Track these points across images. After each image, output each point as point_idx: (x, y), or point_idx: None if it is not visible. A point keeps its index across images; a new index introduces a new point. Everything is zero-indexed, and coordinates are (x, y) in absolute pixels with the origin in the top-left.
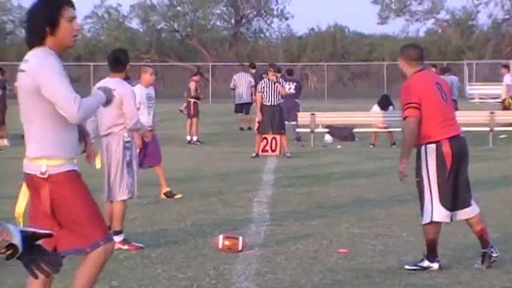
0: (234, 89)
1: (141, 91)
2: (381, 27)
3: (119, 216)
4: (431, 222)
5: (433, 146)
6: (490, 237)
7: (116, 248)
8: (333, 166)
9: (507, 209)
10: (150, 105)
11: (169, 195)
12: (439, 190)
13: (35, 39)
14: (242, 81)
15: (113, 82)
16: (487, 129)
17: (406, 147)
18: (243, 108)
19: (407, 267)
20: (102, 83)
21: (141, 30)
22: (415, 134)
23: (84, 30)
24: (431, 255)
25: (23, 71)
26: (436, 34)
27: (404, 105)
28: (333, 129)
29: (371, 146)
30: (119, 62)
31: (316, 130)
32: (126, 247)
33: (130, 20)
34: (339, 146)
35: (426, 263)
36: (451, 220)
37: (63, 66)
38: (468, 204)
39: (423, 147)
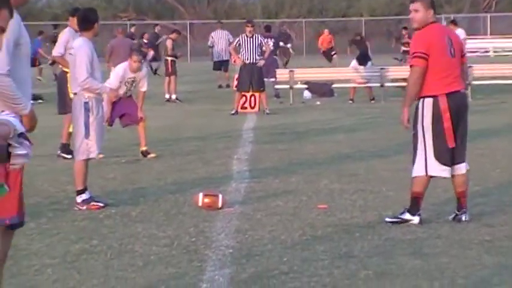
0: (212, 47)
1: (124, 73)
2: None
3: (77, 175)
4: (424, 176)
5: (431, 100)
6: (473, 190)
7: (76, 209)
8: (312, 122)
9: (488, 162)
10: (129, 86)
11: (144, 154)
12: (433, 145)
13: None
14: (220, 39)
15: (77, 41)
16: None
17: (408, 96)
18: (222, 65)
19: (387, 219)
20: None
21: None
22: (419, 84)
23: None
24: (414, 208)
25: None
26: None
27: (412, 53)
28: (312, 86)
29: (350, 102)
30: (87, 21)
31: (295, 86)
32: (84, 208)
33: None
34: (318, 102)
35: (407, 216)
36: (450, 175)
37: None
38: (463, 160)
39: (421, 100)
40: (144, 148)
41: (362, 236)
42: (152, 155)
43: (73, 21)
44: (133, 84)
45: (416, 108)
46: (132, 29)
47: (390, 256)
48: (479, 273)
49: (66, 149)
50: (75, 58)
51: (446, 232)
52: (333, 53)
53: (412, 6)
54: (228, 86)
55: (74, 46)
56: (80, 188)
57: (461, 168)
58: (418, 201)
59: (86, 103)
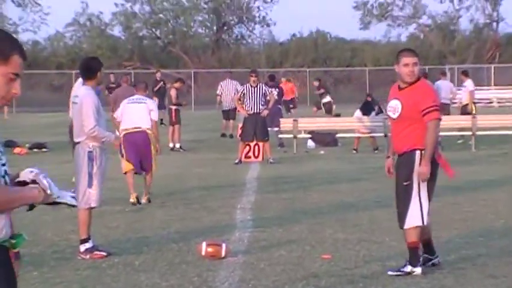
0: (220, 95)
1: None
2: (363, 32)
3: (81, 224)
4: (421, 226)
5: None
6: (476, 241)
7: (80, 258)
8: (316, 172)
9: (490, 213)
10: None
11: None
12: (428, 195)
13: None
14: (229, 88)
15: (80, 88)
16: (469, 133)
17: (432, 149)
18: (229, 114)
19: (390, 273)
20: (75, 88)
21: (123, 37)
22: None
23: (66, 38)
24: (414, 260)
25: None
26: (418, 39)
27: (433, 106)
28: (316, 135)
29: (354, 152)
30: (90, 70)
31: (299, 136)
32: (88, 257)
33: (112, 28)
34: (321, 152)
35: (409, 268)
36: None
37: None
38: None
39: (418, 152)
40: (147, 197)
41: (366, 286)
42: (143, 200)
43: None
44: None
45: (411, 160)
46: (111, 77)
47: None
48: None
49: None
50: (81, 107)
51: (450, 283)
52: (291, 106)
53: (413, 60)
54: (231, 136)
55: (79, 95)
56: (83, 237)
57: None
58: (417, 252)
59: (90, 152)
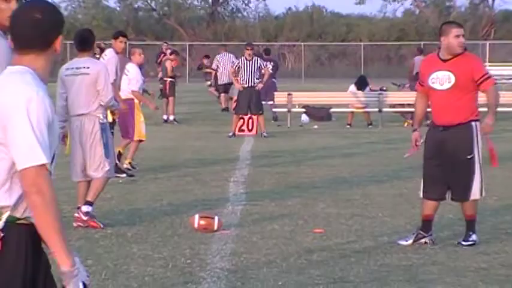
0: (216, 70)
1: (136, 69)
2: (358, 7)
3: (95, 189)
4: (479, 199)
5: (479, 124)
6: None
7: (75, 226)
8: (310, 146)
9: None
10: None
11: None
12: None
13: None
14: (226, 62)
15: (83, 61)
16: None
17: (496, 108)
18: (225, 88)
19: (463, 243)
20: (72, 63)
21: (118, 8)
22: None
23: (61, 9)
24: (474, 229)
25: None
26: (413, 15)
27: (486, 73)
28: (310, 109)
29: (348, 126)
30: (86, 41)
31: (293, 110)
32: (85, 218)
33: None
34: (315, 126)
35: (474, 236)
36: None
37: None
38: None
39: (474, 123)
40: (127, 163)
41: (357, 261)
42: (122, 175)
43: (115, 43)
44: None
45: (471, 132)
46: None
47: (385, 282)
48: None
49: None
50: (97, 77)
51: (442, 259)
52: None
53: (462, 31)
54: (226, 109)
55: (90, 66)
56: (91, 199)
57: None
58: (475, 222)
59: (103, 124)
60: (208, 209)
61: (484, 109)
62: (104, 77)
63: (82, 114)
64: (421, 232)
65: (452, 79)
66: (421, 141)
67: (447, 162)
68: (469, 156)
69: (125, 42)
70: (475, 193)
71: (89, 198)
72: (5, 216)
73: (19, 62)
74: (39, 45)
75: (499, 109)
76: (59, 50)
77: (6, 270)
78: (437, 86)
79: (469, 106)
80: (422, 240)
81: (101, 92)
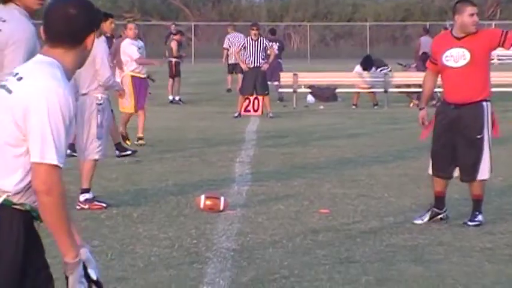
0: (228, 49)
1: (131, 43)
2: None
3: (85, 174)
4: (487, 179)
5: (490, 104)
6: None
7: (78, 208)
8: (315, 127)
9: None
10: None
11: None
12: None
13: None
14: (235, 42)
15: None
16: None
17: None
18: (235, 68)
19: (469, 223)
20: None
21: None
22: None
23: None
24: (480, 208)
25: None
26: None
27: (503, 31)
28: (316, 90)
29: (353, 107)
30: None
31: (299, 90)
32: (87, 207)
33: None
34: (321, 107)
35: (481, 216)
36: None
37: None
38: None
39: (486, 103)
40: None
41: (363, 241)
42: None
43: (104, 25)
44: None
45: (480, 110)
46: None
47: (391, 262)
48: (480, 281)
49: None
50: (95, 57)
51: (448, 239)
52: None
53: (476, 10)
54: (229, 90)
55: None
56: (86, 186)
57: None
58: (482, 202)
59: (100, 104)
60: (214, 189)
61: (496, 89)
62: (100, 56)
63: (84, 94)
64: (435, 209)
65: (468, 56)
66: (428, 120)
67: (456, 140)
68: (478, 136)
69: (114, 23)
70: (483, 173)
71: (83, 186)
72: (1, 199)
73: (48, 53)
74: (70, 41)
75: (504, 89)
76: (90, 48)
77: None
78: (451, 64)
79: (482, 85)
80: (439, 217)
81: (98, 71)
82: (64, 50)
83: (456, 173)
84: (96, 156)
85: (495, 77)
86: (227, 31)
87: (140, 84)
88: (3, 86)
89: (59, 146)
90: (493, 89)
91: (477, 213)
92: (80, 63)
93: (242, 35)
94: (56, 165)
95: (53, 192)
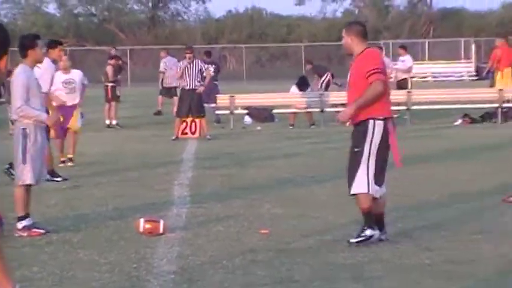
0: (164, 72)
1: (55, 76)
2: (299, 8)
3: (16, 200)
4: (367, 193)
5: (381, 123)
6: (411, 215)
7: (17, 235)
8: (253, 147)
9: (425, 187)
10: (67, 88)
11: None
12: (375, 165)
13: None
14: (172, 66)
15: (17, 68)
16: (405, 108)
17: (364, 102)
18: (170, 92)
19: (352, 240)
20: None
21: (58, 14)
22: (378, 98)
23: (1, 16)
24: (371, 222)
25: None
26: (353, 15)
27: (370, 70)
28: (252, 111)
29: (290, 127)
30: (23, 48)
31: (236, 112)
32: (25, 234)
33: (47, 5)
34: (258, 128)
35: (369, 232)
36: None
37: None
38: (384, 182)
39: (371, 121)
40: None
41: (303, 260)
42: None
43: (52, 52)
44: (68, 86)
45: (366, 127)
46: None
47: (332, 281)
48: None
49: (54, 173)
50: (12, 85)
51: (387, 256)
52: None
53: (342, 32)
54: (159, 111)
55: (14, 73)
56: (20, 214)
57: (383, 191)
58: (371, 215)
59: (24, 129)
60: (153, 212)
61: (431, 107)
62: (15, 84)
63: (15, 120)
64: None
65: (348, 77)
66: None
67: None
68: (356, 149)
69: (64, 50)
70: (357, 187)
71: (18, 213)
72: None
73: None
74: None
75: (438, 106)
76: (3, 70)
77: None
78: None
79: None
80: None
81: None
82: None
83: (378, 192)
84: (23, 182)
85: (429, 94)
86: (161, 55)
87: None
88: None
89: None
90: (428, 106)
91: (364, 228)
92: None
93: (175, 59)
94: None
95: None
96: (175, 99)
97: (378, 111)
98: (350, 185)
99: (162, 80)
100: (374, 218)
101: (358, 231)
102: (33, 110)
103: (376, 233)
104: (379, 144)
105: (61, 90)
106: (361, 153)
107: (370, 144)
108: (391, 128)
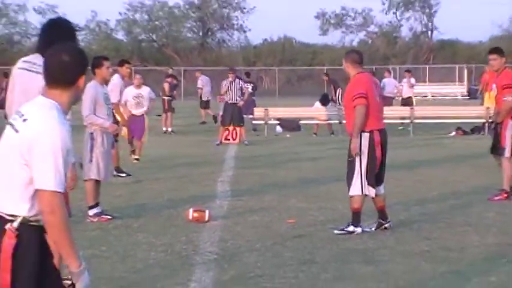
0: (201, 88)
1: (128, 90)
2: (322, 37)
3: (87, 192)
4: (361, 195)
5: (367, 134)
6: (413, 208)
7: (88, 221)
8: (283, 152)
9: (425, 187)
10: (136, 100)
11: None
12: (367, 171)
13: None
14: (207, 83)
15: (88, 84)
16: (408, 121)
17: (358, 128)
18: (207, 104)
19: (336, 231)
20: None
21: (125, 40)
22: (364, 118)
23: (79, 41)
24: (356, 221)
25: None
26: (366, 44)
27: (355, 95)
28: (283, 122)
29: (314, 135)
30: (91, 67)
31: (269, 122)
32: (95, 220)
33: (117, 32)
34: (287, 135)
35: (351, 228)
36: (375, 195)
37: None
38: (382, 182)
39: (362, 133)
40: (137, 156)
41: (323, 245)
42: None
43: (121, 69)
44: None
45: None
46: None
47: (346, 262)
48: (418, 277)
49: (119, 169)
50: (83, 98)
51: (392, 243)
52: None
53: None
54: (215, 119)
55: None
56: (91, 203)
57: (381, 189)
58: (359, 215)
59: (91, 134)
60: (200, 203)
61: (432, 121)
62: (83, 98)
63: (86, 126)
64: (380, 220)
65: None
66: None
67: None
68: (349, 159)
69: (130, 69)
70: (353, 190)
71: (88, 203)
72: (19, 219)
73: (48, 95)
74: (64, 83)
75: (436, 121)
76: (82, 87)
77: (18, 261)
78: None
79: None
80: (383, 226)
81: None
82: (60, 91)
83: (376, 191)
84: (89, 177)
85: (429, 110)
86: (197, 75)
87: (134, 119)
88: (12, 125)
89: (58, 175)
90: (427, 120)
91: (349, 223)
92: (74, 100)
93: (208, 77)
94: (55, 191)
95: (55, 212)
96: (208, 111)
97: (365, 126)
98: (348, 188)
99: (201, 95)
100: (360, 218)
101: (343, 225)
102: (97, 118)
103: (358, 230)
104: (368, 153)
105: (131, 102)
106: (353, 161)
107: (360, 154)
108: (377, 138)
